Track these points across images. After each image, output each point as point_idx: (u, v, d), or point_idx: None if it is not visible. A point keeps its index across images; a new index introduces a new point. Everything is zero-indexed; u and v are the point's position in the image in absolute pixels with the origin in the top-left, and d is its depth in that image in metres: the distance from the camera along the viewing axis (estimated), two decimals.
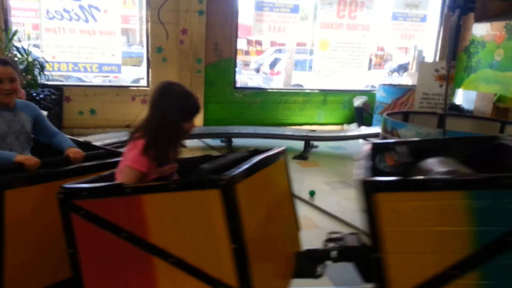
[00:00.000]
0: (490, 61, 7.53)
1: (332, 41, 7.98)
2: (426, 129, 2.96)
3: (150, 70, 7.07)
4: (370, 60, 12.80)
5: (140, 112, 7.09)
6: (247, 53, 23.88)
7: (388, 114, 3.48)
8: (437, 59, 8.21)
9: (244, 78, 15.29)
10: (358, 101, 7.79)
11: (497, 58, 7.38)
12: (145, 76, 7.29)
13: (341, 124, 8.07)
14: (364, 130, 6.66)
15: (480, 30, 7.81)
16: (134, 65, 10.71)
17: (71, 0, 6.45)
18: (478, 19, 7.85)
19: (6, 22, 6.23)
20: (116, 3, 6.80)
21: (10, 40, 6.01)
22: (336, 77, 8.06)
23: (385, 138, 3.33)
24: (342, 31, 7.96)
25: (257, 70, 16.46)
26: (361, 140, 7.05)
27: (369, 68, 12.58)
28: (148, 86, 7.15)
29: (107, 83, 9.31)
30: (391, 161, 2.23)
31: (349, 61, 8.16)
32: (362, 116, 7.78)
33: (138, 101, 7.08)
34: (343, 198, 4.34)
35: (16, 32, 6.10)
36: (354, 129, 7.24)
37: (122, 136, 5.72)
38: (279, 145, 6.78)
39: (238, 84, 10.63)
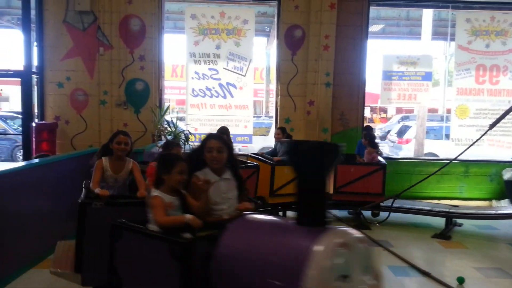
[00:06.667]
0: None
1: (472, 108, 7.31)
2: None
3: None
4: None
5: None
6: (370, 120, 23.45)
7: None
8: None
9: None
10: (509, 174, 6.77)
11: None
12: (273, 146, 7.58)
13: (489, 199, 7.03)
14: None
15: None
16: (261, 135, 11.32)
17: (212, 80, 7.30)
18: None
19: (160, 100, 7.26)
20: (250, 80, 7.44)
21: (163, 115, 6.94)
22: (480, 146, 7.21)
23: None
24: (483, 97, 7.29)
25: (383, 138, 15.88)
26: None
27: None
28: None
29: (237, 152, 9.95)
30: None
31: (494, 129, 7.27)
32: None
33: None
34: None
35: (168, 108, 7.06)
36: (506, 207, 6.22)
37: None
38: (413, 220, 6.07)
39: None
